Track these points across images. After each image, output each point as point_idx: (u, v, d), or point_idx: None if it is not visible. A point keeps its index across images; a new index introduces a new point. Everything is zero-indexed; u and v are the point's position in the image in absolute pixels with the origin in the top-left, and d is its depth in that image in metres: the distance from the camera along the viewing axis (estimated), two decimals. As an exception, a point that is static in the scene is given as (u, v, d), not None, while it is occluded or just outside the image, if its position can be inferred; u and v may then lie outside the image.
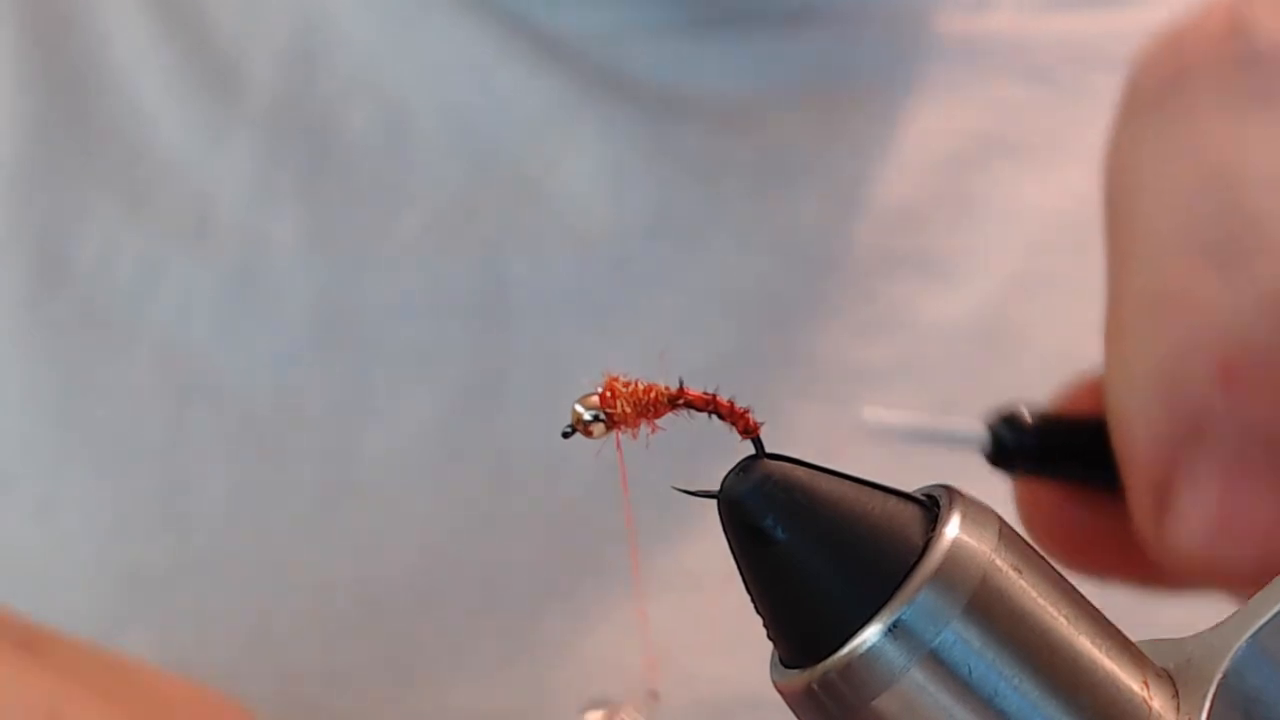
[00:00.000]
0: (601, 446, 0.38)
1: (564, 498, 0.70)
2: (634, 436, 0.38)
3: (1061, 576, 0.37)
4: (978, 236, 0.71)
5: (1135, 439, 0.49)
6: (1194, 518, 0.48)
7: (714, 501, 0.37)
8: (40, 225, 0.74)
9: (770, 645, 0.37)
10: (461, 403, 0.71)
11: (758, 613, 0.37)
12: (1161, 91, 0.51)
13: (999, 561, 0.36)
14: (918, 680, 0.35)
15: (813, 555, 0.36)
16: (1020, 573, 0.36)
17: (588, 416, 0.38)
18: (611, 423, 0.37)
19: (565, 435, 0.38)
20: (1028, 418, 0.53)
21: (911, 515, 0.36)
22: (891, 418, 0.39)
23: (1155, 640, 0.37)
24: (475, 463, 0.71)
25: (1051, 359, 0.67)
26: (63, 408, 0.72)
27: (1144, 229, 0.50)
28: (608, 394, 0.38)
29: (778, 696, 0.37)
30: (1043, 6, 0.75)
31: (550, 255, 0.72)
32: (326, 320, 0.73)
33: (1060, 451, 0.53)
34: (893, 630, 0.35)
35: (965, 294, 0.70)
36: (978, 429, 0.49)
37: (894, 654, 0.35)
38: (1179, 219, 0.49)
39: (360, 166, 0.74)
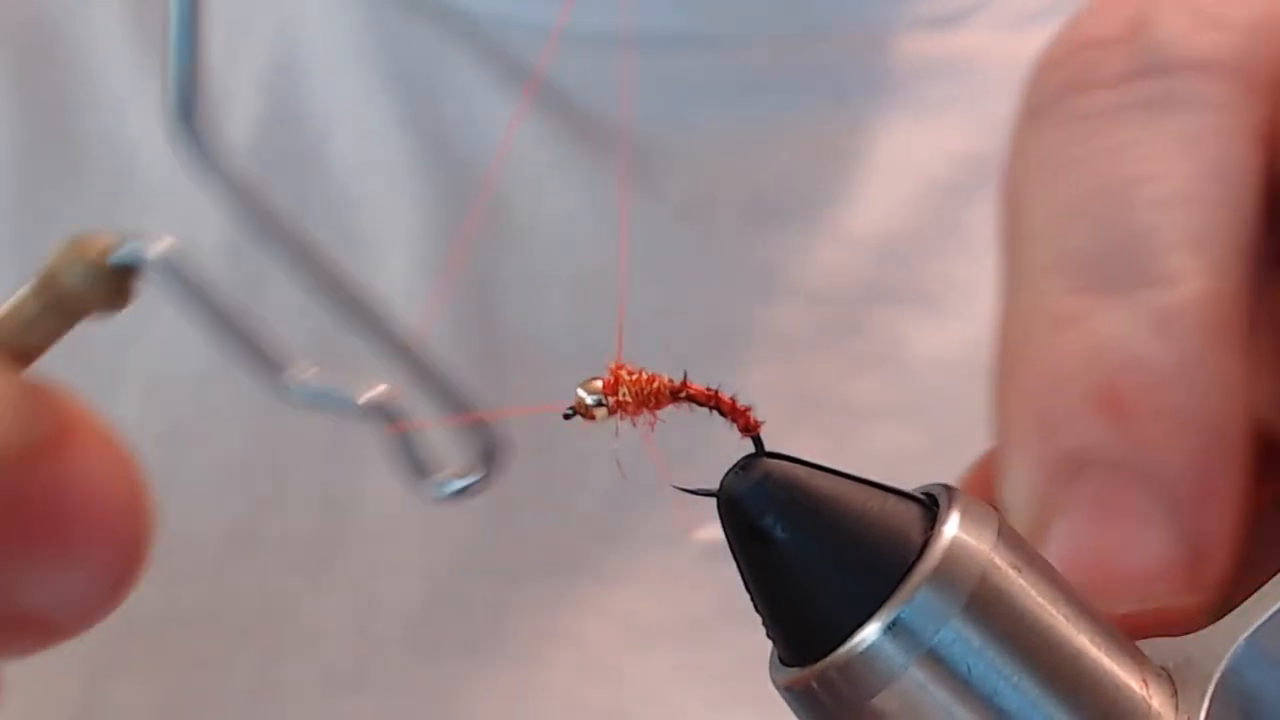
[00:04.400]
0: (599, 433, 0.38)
1: (565, 540, 0.69)
2: (634, 424, 0.38)
3: (1061, 576, 0.37)
4: (967, 265, 0.70)
5: (1015, 482, 0.43)
6: (1061, 555, 0.42)
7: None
8: (24, 259, 0.73)
9: (770, 644, 0.37)
10: None
11: (757, 611, 0.37)
12: (1056, 97, 0.47)
13: (998, 560, 0.36)
14: (917, 678, 0.35)
15: (812, 554, 0.36)
16: (1019, 571, 0.36)
17: (590, 400, 0.38)
18: (613, 408, 0.38)
19: (566, 417, 0.39)
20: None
21: (911, 514, 0.36)
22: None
23: (1154, 639, 0.37)
24: (473, 507, 0.70)
25: None
26: None
27: (1029, 246, 0.46)
28: (611, 380, 0.38)
29: None
30: (1019, 21, 0.74)
31: (541, 297, 0.72)
32: (319, 361, 0.72)
33: None
34: (892, 628, 0.35)
35: (956, 325, 0.69)
36: None
37: (893, 652, 0.35)
38: (1062, 235, 0.45)
39: (346, 204, 0.74)
